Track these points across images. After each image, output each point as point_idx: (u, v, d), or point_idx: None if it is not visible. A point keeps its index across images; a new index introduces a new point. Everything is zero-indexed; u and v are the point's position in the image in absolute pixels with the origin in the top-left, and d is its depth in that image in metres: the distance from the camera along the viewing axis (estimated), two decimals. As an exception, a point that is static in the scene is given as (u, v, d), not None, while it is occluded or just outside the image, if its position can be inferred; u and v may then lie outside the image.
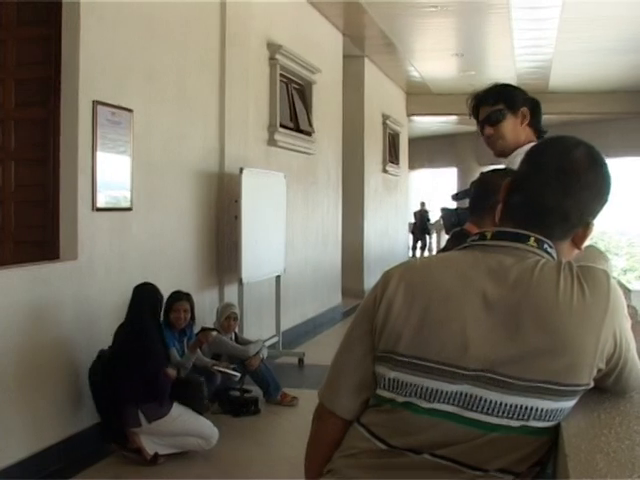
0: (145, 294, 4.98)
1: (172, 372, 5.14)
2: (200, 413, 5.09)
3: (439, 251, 3.64)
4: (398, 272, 1.60)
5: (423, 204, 22.44)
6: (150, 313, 4.93)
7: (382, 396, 1.57)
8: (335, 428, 1.66)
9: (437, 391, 1.49)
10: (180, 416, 4.90)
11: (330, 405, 1.67)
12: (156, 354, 4.91)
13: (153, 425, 4.78)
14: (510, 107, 2.95)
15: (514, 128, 2.95)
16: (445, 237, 3.70)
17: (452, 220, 3.19)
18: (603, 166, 1.59)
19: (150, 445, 4.82)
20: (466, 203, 2.98)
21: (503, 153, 2.98)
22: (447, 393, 1.48)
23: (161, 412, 4.82)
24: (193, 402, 5.06)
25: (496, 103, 2.95)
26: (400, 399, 1.53)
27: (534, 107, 3.00)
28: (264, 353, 6.38)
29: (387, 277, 1.60)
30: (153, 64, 5.79)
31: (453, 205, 3.95)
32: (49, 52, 4.98)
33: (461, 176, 23.95)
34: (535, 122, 2.99)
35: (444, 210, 3.41)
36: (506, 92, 3.00)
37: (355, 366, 1.62)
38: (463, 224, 2.92)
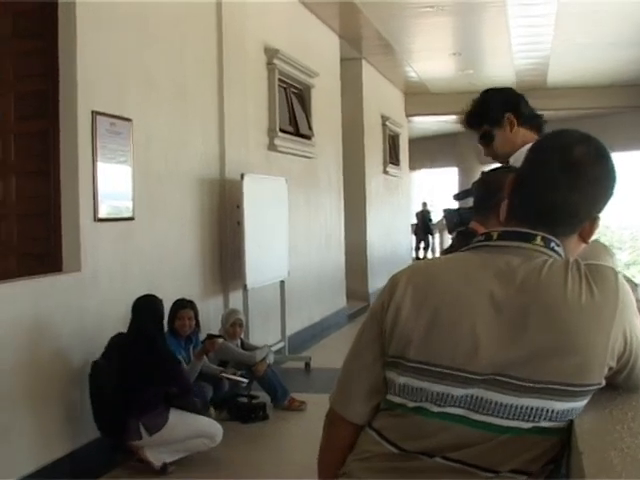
0: (145, 305, 4.93)
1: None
2: (199, 413, 5.04)
3: (444, 251, 3.64)
4: (405, 276, 1.58)
5: (425, 204, 22.39)
6: (153, 323, 4.89)
7: (393, 401, 1.56)
8: (347, 433, 1.65)
9: (447, 395, 1.47)
10: (180, 421, 4.84)
11: (342, 411, 1.66)
12: (171, 357, 4.97)
13: (155, 437, 4.73)
14: (493, 124, 2.95)
15: (505, 139, 2.96)
16: (448, 237, 3.68)
17: (454, 220, 3.17)
18: (608, 159, 1.57)
19: (156, 456, 4.77)
20: (468, 203, 2.97)
21: (505, 160, 2.98)
22: (457, 397, 1.47)
23: (160, 422, 4.75)
24: (188, 405, 4.99)
25: (480, 125, 2.98)
26: (411, 404, 1.52)
27: (517, 106, 2.97)
28: (270, 358, 6.37)
29: (394, 281, 1.58)
30: (151, 72, 5.79)
31: (455, 205, 3.94)
32: (47, 64, 4.97)
33: (462, 175, 23.88)
34: (525, 119, 2.97)
35: (446, 211, 3.40)
36: (484, 110, 2.98)
37: (365, 372, 1.61)
38: (466, 223, 2.91)
